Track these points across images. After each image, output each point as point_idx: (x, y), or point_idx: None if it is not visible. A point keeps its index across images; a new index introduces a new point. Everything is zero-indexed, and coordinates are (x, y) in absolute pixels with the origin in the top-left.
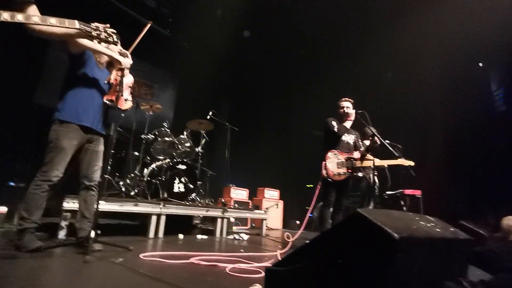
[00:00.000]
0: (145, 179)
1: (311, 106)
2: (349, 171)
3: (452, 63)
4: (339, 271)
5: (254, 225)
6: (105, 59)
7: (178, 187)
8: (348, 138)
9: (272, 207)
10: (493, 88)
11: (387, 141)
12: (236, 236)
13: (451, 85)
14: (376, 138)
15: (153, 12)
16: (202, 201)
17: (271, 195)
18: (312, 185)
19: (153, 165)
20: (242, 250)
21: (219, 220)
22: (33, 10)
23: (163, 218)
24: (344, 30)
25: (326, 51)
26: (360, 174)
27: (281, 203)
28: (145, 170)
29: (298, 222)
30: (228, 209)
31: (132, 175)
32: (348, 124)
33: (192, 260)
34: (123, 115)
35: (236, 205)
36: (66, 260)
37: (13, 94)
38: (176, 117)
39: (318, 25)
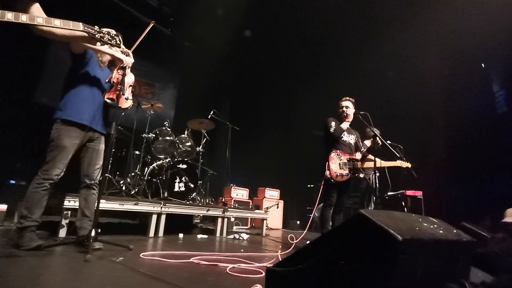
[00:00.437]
0: (146, 178)
1: (312, 106)
2: (351, 172)
3: (454, 64)
4: (342, 272)
5: (254, 225)
6: (107, 58)
7: (179, 186)
8: (349, 138)
9: (272, 207)
10: (495, 89)
11: (389, 142)
12: (236, 236)
13: (453, 85)
14: (377, 139)
15: (155, 11)
16: (202, 200)
17: (271, 195)
18: (312, 185)
19: (154, 164)
20: (242, 250)
21: (219, 220)
22: (36, 9)
23: (163, 217)
24: (346, 30)
25: (327, 50)
26: (361, 175)
27: (281, 203)
28: (146, 169)
29: (298, 222)
30: (228, 209)
31: (133, 174)
32: (345, 125)
33: (192, 259)
34: (123, 114)
35: (237, 205)
36: (66, 259)
37: (14, 93)
38: (177, 116)
39: (319, 25)
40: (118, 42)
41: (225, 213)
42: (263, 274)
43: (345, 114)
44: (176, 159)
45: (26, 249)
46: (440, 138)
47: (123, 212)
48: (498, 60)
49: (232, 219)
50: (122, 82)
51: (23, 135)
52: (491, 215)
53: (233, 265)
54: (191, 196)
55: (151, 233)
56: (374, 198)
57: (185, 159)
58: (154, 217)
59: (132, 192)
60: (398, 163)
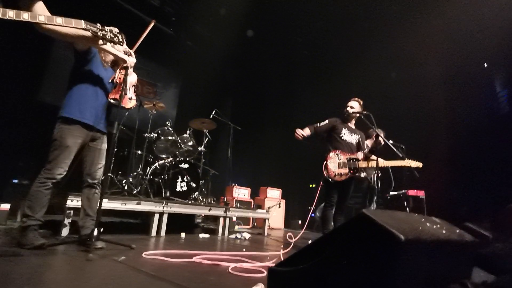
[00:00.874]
0: (148, 177)
1: (315, 106)
2: (351, 171)
3: (456, 64)
4: (344, 272)
5: (256, 224)
6: (110, 58)
7: (181, 186)
8: (351, 138)
9: (274, 206)
10: (498, 89)
11: (391, 142)
12: (238, 236)
13: (455, 86)
14: (380, 138)
15: (157, 10)
16: (204, 200)
17: (273, 194)
18: (314, 185)
19: (156, 164)
20: (244, 250)
21: (221, 219)
22: (40, 7)
23: (165, 217)
24: (349, 30)
25: (330, 50)
26: (362, 175)
27: (283, 202)
28: (148, 169)
29: (300, 221)
30: (230, 208)
31: (135, 173)
32: (351, 124)
33: (194, 259)
34: (126, 113)
35: (238, 205)
36: (68, 258)
37: (17, 92)
38: (179, 116)
39: (322, 25)
40: (120, 40)
41: (227, 213)
42: (265, 273)
43: (347, 114)
44: (178, 159)
45: (29, 248)
46: (443, 138)
47: (125, 212)
48: (501, 60)
49: (234, 219)
50: (124, 82)
51: (26, 134)
52: (494, 215)
53: (234, 265)
54: (193, 196)
55: (153, 233)
56: (376, 198)
57: (187, 159)
58: (156, 216)
59: (134, 192)
60: (407, 162)
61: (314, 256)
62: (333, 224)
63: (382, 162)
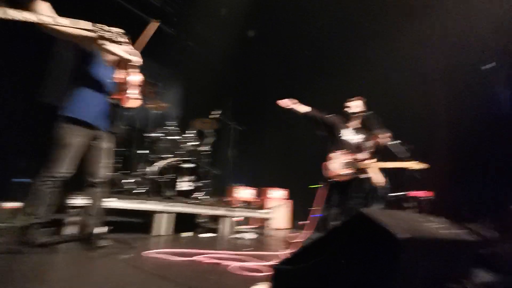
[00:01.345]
0: (150, 177)
1: (316, 105)
2: (352, 172)
3: (460, 63)
4: (344, 271)
5: (257, 224)
6: (111, 57)
7: (183, 185)
8: (354, 137)
9: (276, 206)
10: (503, 87)
11: (398, 141)
12: (240, 235)
13: (459, 85)
14: (380, 139)
15: (158, 10)
16: (206, 199)
17: (275, 194)
18: (315, 186)
19: (158, 164)
20: (245, 249)
21: (223, 219)
22: (46, 7)
23: (167, 216)
24: (349, 29)
25: (331, 50)
26: (363, 176)
27: (286, 202)
28: (150, 168)
29: (302, 222)
30: (232, 208)
31: (137, 173)
32: (354, 124)
33: (195, 258)
34: (128, 113)
35: (241, 204)
36: (70, 256)
37: (18, 91)
38: (180, 115)
39: (324, 25)
40: (125, 40)
41: (229, 213)
42: (266, 272)
43: (349, 114)
44: (180, 159)
45: (31, 246)
46: (445, 138)
47: (127, 211)
48: (506, 57)
49: (236, 219)
50: (126, 81)
51: (28, 133)
52: (496, 216)
53: (235, 264)
54: (195, 195)
55: (155, 232)
56: (378, 198)
57: (189, 159)
58: (158, 216)
59: (136, 191)
60: (409, 164)
61: (315, 255)
62: (333, 225)
63: (383, 164)
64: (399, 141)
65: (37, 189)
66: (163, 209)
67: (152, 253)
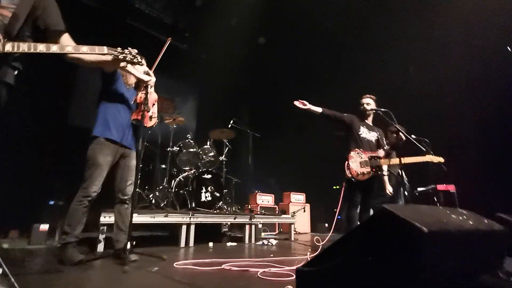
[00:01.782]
0: (173, 190)
1: (332, 106)
2: (373, 170)
3: (481, 51)
4: (370, 269)
5: (282, 230)
6: (132, 80)
7: (205, 196)
8: (370, 136)
9: (299, 211)
10: None
11: (413, 136)
12: (265, 242)
13: (482, 74)
14: (401, 134)
15: (170, 28)
16: (229, 208)
17: (297, 199)
18: (338, 187)
19: (180, 176)
20: (272, 255)
21: (247, 227)
22: (66, 38)
23: (192, 227)
24: (362, 27)
25: (346, 50)
26: (384, 173)
27: (308, 206)
28: (173, 182)
29: (326, 224)
30: (255, 215)
31: (161, 187)
32: (369, 121)
33: (223, 266)
34: (149, 131)
35: (263, 211)
36: (106, 271)
37: (49, 116)
38: (198, 127)
39: (336, 25)
40: (139, 61)
41: (252, 220)
42: (294, 277)
43: (364, 111)
44: (200, 170)
45: (70, 264)
46: (471, 130)
47: (154, 225)
48: None
49: (260, 226)
50: (145, 102)
51: (60, 156)
52: None
53: (263, 270)
54: (218, 205)
55: (182, 244)
56: (406, 194)
57: (210, 169)
58: (184, 227)
59: (161, 205)
60: (428, 158)
61: (339, 254)
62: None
63: (403, 159)
64: (414, 137)
65: (74, 208)
66: (189, 221)
67: (182, 263)
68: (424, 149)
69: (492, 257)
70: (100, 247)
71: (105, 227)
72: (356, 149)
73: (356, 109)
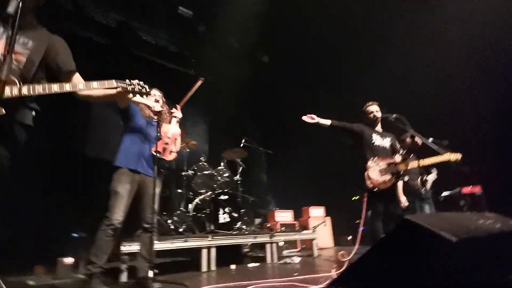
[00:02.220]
0: (191, 214)
1: (340, 117)
2: (394, 176)
3: (496, 46)
4: (398, 284)
5: (304, 246)
6: (147, 111)
7: (223, 217)
8: (383, 142)
9: (319, 225)
10: None
11: (431, 139)
12: (288, 260)
13: (500, 68)
14: (416, 139)
15: (176, 56)
16: (248, 228)
17: (317, 213)
18: (357, 197)
19: (197, 200)
20: (296, 274)
21: (268, 246)
22: (77, 77)
23: (213, 250)
24: (363, 31)
25: (350, 58)
26: (405, 178)
27: (328, 219)
28: (190, 206)
29: (349, 237)
30: (275, 234)
31: (178, 212)
32: (379, 128)
33: None
34: (167, 165)
35: (283, 228)
36: None
37: (68, 150)
38: (211, 149)
39: (340, 35)
40: (148, 91)
41: (273, 238)
42: None
43: (374, 119)
44: (216, 192)
45: None
46: (493, 127)
47: (174, 251)
48: None
49: (281, 243)
50: (157, 128)
51: (81, 189)
52: None
53: None
54: (237, 226)
55: (204, 268)
56: (431, 200)
57: (225, 190)
58: (205, 251)
59: (180, 230)
60: (446, 156)
61: (365, 271)
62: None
63: (421, 161)
64: (431, 138)
65: (99, 238)
66: (208, 244)
67: None
68: (440, 151)
69: None
70: (123, 277)
71: (127, 257)
72: (373, 158)
73: (360, 118)
